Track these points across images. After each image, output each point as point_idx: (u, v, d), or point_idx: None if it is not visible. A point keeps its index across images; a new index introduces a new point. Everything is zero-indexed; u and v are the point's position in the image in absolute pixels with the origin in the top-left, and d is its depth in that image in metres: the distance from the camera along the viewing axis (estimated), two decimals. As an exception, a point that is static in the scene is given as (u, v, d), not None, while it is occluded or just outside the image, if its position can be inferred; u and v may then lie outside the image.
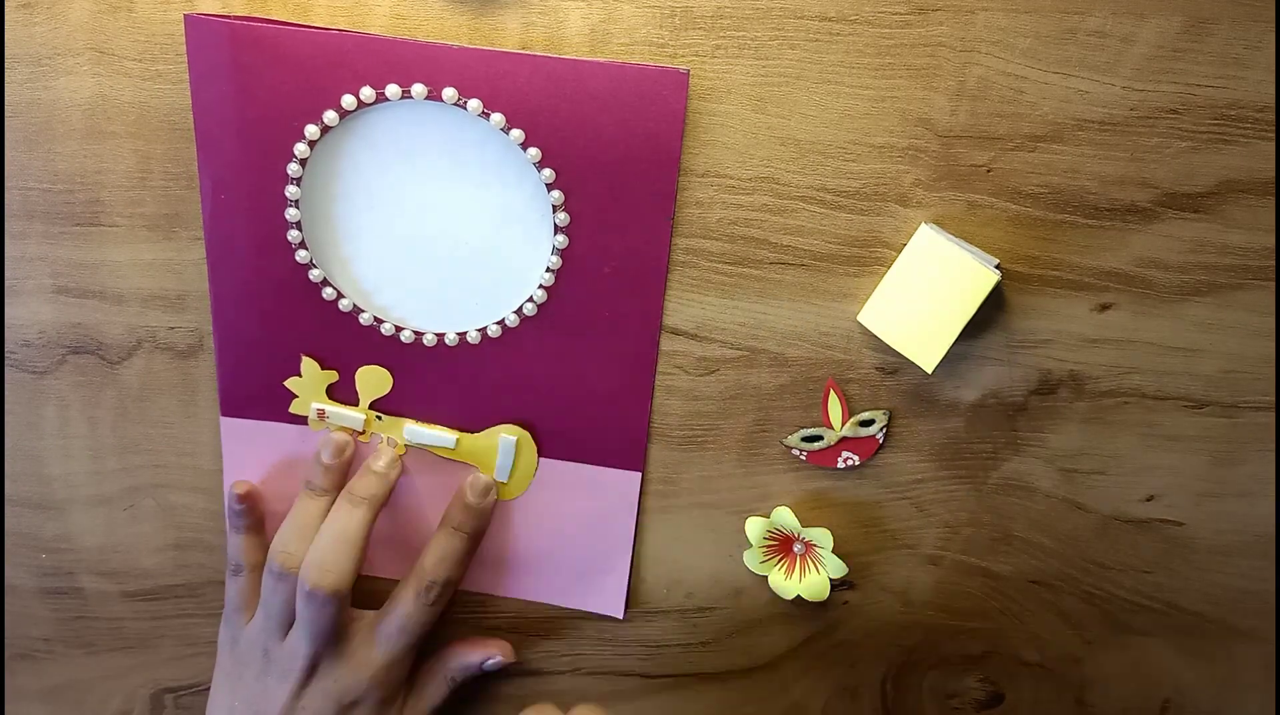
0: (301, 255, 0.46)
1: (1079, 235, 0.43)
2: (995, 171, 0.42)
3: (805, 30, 0.41)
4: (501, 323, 0.46)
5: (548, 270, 0.45)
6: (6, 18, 0.44)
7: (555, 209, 0.44)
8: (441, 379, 0.48)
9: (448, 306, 0.47)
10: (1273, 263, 0.43)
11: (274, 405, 0.49)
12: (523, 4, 0.42)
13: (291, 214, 0.45)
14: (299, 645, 0.48)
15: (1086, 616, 0.50)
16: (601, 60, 0.41)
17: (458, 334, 0.47)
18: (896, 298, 0.43)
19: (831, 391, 0.46)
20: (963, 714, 0.53)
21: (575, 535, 0.51)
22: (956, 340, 0.42)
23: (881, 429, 0.47)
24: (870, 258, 0.44)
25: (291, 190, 0.44)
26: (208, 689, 0.57)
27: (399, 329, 0.47)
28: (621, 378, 0.47)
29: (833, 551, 0.48)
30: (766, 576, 0.50)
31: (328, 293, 0.46)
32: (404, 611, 0.49)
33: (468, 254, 0.46)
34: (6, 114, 0.46)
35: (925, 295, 0.42)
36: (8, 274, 0.49)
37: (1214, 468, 0.47)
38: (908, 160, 0.43)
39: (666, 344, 0.47)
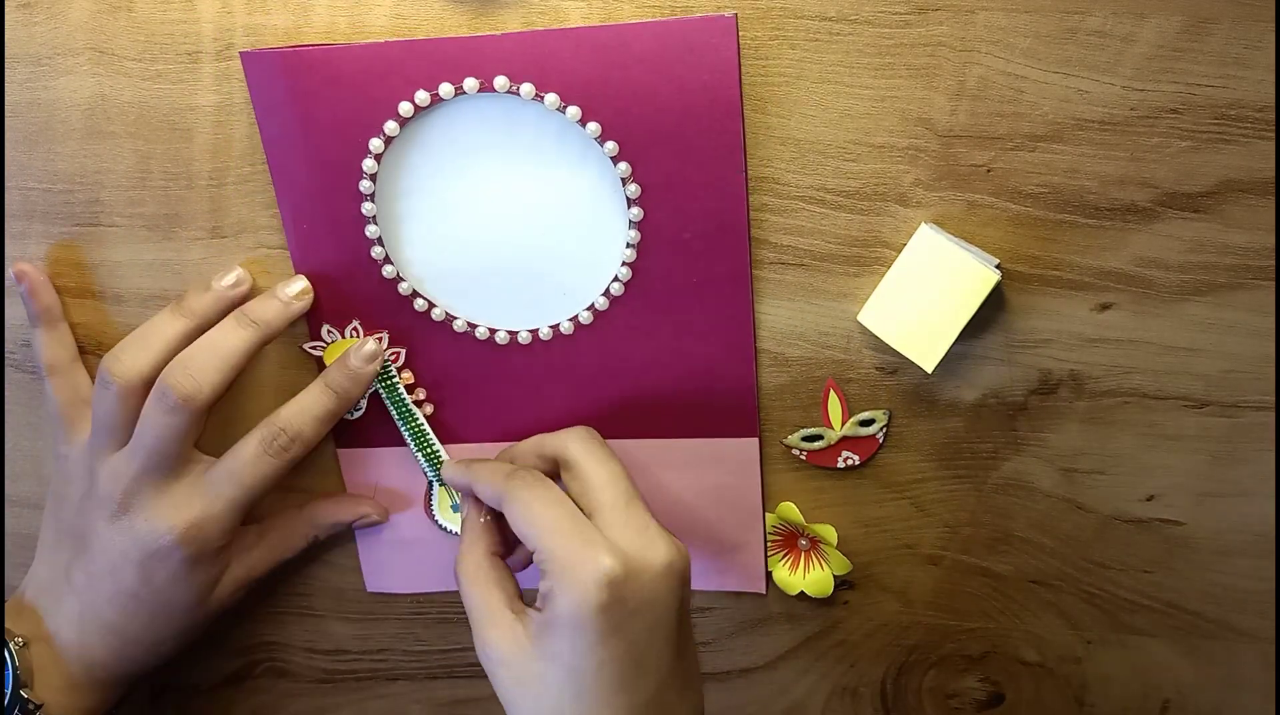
0: (388, 270, 0.46)
1: (1079, 235, 0.43)
2: (995, 171, 0.42)
3: (805, 30, 0.41)
4: (591, 308, 0.46)
5: (628, 246, 0.44)
6: (6, 18, 0.44)
7: (625, 182, 0.43)
8: (542, 376, 0.48)
9: (536, 301, 0.46)
10: (1273, 262, 0.43)
11: (384, 430, 0.50)
12: (522, 3, 0.42)
13: (371, 231, 0.45)
14: (125, 464, 0.45)
15: (1086, 616, 0.50)
16: (645, 20, 0.40)
17: (550, 328, 0.47)
18: (896, 297, 0.43)
19: (831, 391, 0.46)
20: (963, 714, 0.53)
21: (704, 514, 0.50)
22: (956, 340, 0.42)
23: (882, 429, 0.47)
24: (870, 258, 0.44)
25: (367, 207, 0.44)
26: (207, 689, 0.57)
27: (493, 332, 0.47)
28: (721, 344, 0.46)
29: (836, 548, 0.48)
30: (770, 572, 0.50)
31: (419, 304, 0.47)
32: (240, 456, 0.45)
33: (547, 243, 0.45)
34: (6, 114, 0.46)
35: (925, 295, 0.42)
36: (8, 274, 0.49)
37: (1214, 467, 0.47)
38: (908, 160, 0.43)
39: (666, 344, 0.47)
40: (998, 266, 0.43)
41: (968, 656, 0.52)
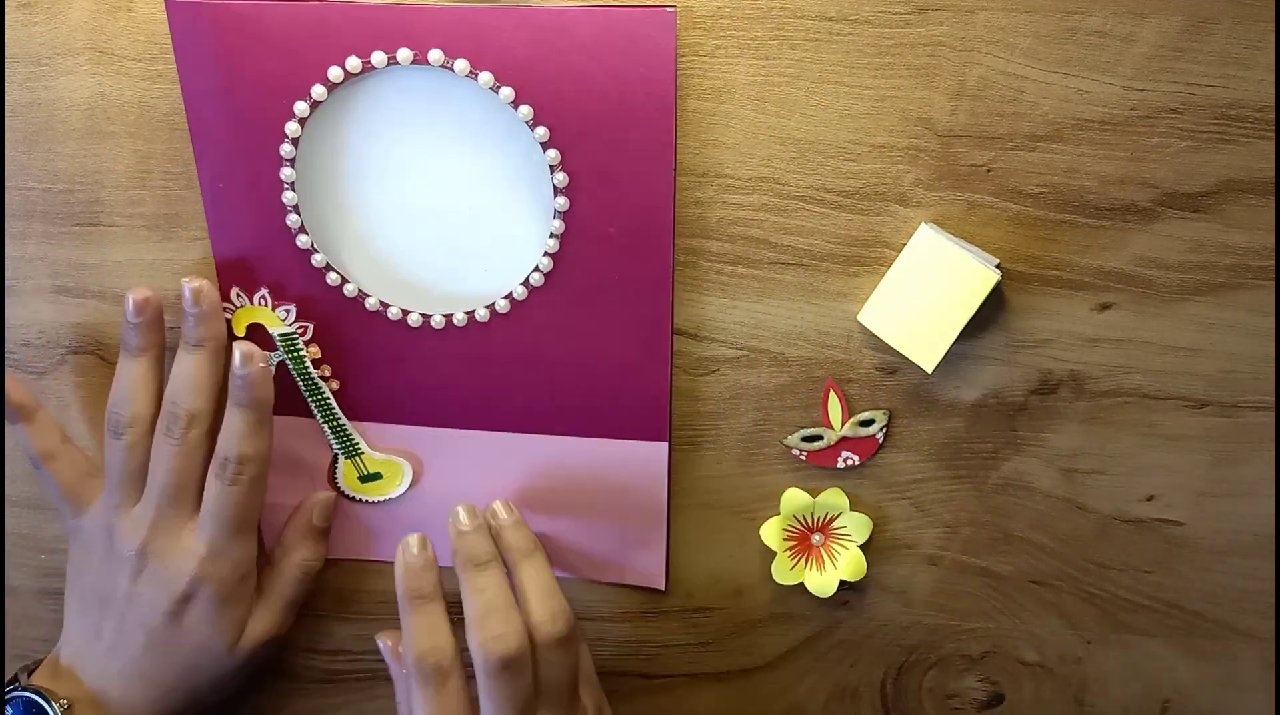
0: (302, 240, 0.45)
1: (1079, 235, 0.43)
2: (995, 171, 0.42)
3: (805, 30, 0.41)
4: (509, 297, 0.45)
5: (551, 236, 0.44)
6: (6, 17, 0.44)
7: (553, 169, 0.42)
8: (454, 363, 0.47)
9: (454, 284, 0.46)
10: (1273, 262, 0.43)
11: (291, 399, 0.49)
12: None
13: (289, 198, 0.44)
14: (144, 510, 0.46)
15: (1086, 616, 0.50)
16: (586, 5, 0.40)
17: (466, 313, 0.46)
18: (897, 297, 0.43)
19: (831, 391, 0.46)
20: (963, 714, 0.53)
21: (607, 511, 0.50)
22: (957, 340, 0.42)
23: (882, 428, 0.47)
24: (870, 257, 0.44)
25: (287, 173, 0.43)
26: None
27: (405, 314, 0.46)
28: (638, 345, 0.46)
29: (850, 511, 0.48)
30: (800, 582, 0.50)
31: (331, 278, 0.46)
32: (210, 496, 0.46)
33: (468, 224, 0.44)
34: (6, 114, 0.46)
35: (925, 295, 0.42)
36: (7, 274, 0.49)
37: (1214, 467, 0.47)
38: (908, 160, 0.43)
39: (666, 344, 0.47)
40: (998, 266, 0.43)
41: (968, 656, 0.52)
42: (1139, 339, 0.45)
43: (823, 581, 0.49)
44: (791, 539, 0.49)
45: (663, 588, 0.51)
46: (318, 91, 0.42)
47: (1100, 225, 0.43)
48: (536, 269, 0.44)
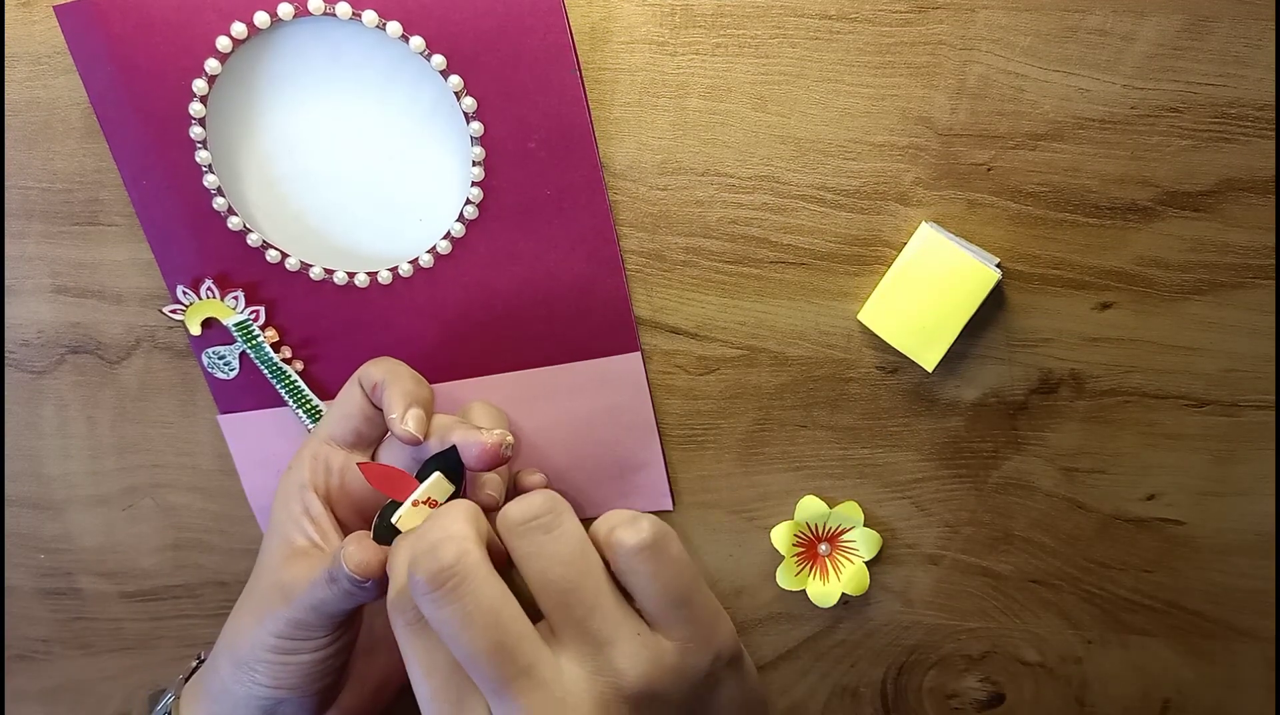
0: (233, 222, 0.44)
1: (1079, 234, 0.43)
2: (996, 170, 0.42)
3: (805, 28, 0.41)
4: (448, 237, 0.45)
5: (474, 164, 0.43)
6: (6, 16, 0.44)
7: (458, 96, 0.42)
8: (409, 315, 0.46)
9: (393, 239, 0.45)
10: (1273, 261, 0.43)
11: (264, 392, 0.48)
12: (523, 2, 0.42)
13: (210, 180, 0.44)
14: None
15: (1087, 616, 0.50)
16: None
17: (410, 263, 0.45)
18: (897, 296, 0.43)
19: None
20: (963, 714, 0.53)
21: (596, 437, 0.49)
22: (957, 339, 0.42)
23: None
24: (870, 257, 0.44)
25: (202, 155, 0.43)
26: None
27: (351, 276, 0.46)
28: (587, 258, 0.45)
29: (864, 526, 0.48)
30: (802, 589, 0.50)
31: (271, 255, 0.45)
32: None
33: (393, 174, 0.44)
34: (6, 113, 0.46)
35: (926, 294, 0.42)
36: (7, 273, 0.49)
37: (1215, 466, 0.47)
38: (908, 159, 0.43)
39: (666, 343, 0.47)
40: (998, 265, 0.43)
41: (968, 656, 0.52)
42: (1139, 338, 0.45)
43: (824, 591, 0.49)
44: (800, 545, 0.49)
45: (670, 507, 0.51)
46: (211, 65, 0.41)
47: (1101, 224, 0.43)
48: (468, 202, 0.44)
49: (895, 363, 0.46)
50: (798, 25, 0.41)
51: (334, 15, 0.40)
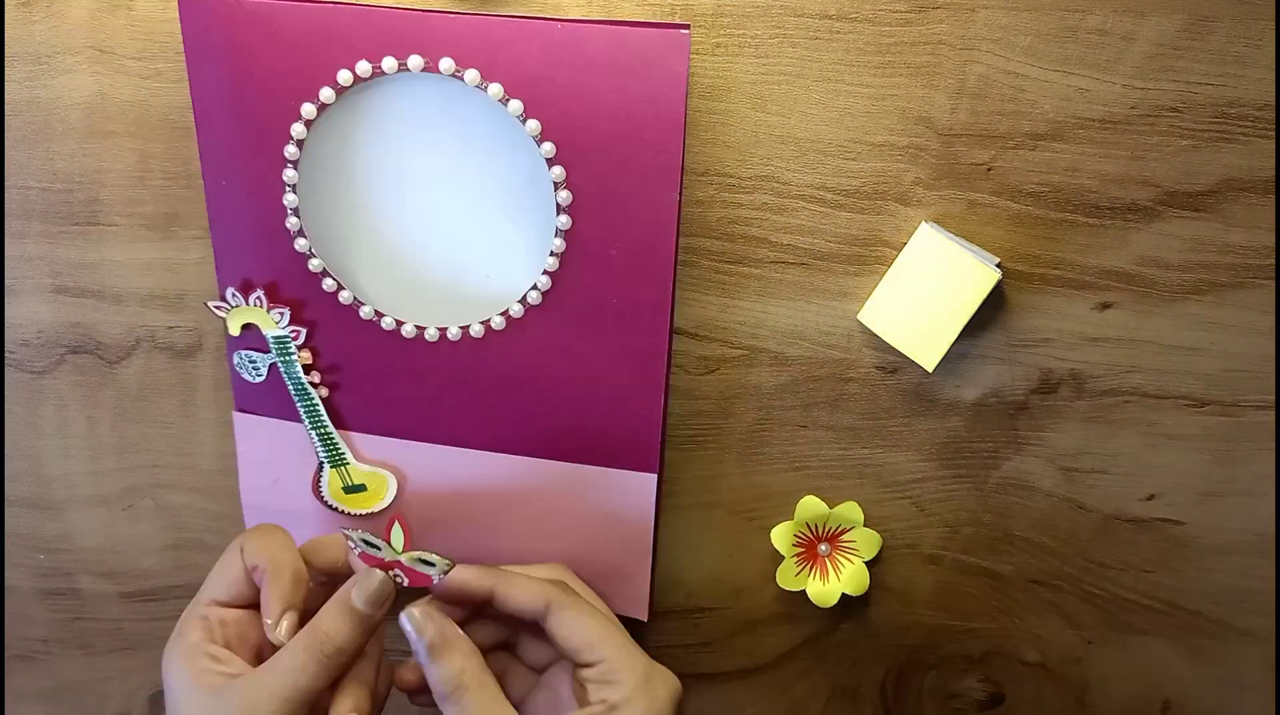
0: (301, 244, 0.44)
1: (1080, 234, 0.43)
2: (996, 170, 0.42)
3: (805, 28, 0.41)
4: (505, 313, 0.45)
5: (551, 254, 0.43)
6: (6, 16, 0.44)
7: (557, 187, 0.42)
8: (445, 377, 0.47)
9: (451, 296, 0.45)
10: (1273, 261, 0.43)
11: (286, 402, 0.49)
12: (523, 2, 0.42)
13: (290, 200, 0.44)
14: None
15: (1087, 616, 0.50)
16: (600, 22, 0.39)
17: (460, 328, 0.45)
18: (897, 296, 0.43)
19: (396, 523, 0.42)
20: (963, 714, 0.53)
21: (591, 540, 0.49)
22: (957, 339, 0.42)
23: (441, 574, 0.42)
24: (870, 257, 0.44)
25: (289, 174, 0.43)
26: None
27: (400, 324, 0.46)
28: (632, 374, 0.45)
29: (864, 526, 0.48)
30: (802, 589, 0.50)
31: (328, 284, 0.45)
32: None
33: (469, 237, 0.44)
34: (6, 113, 0.46)
35: (926, 294, 0.42)
36: (7, 273, 0.49)
37: (1215, 467, 0.47)
38: (908, 159, 0.43)
39: (666, 343, 0.47)
40: (998, 265, 0.43)
41: (968, 657, 0.52)
42: (1139, 338, 0.45)
43: (824, 591, 0.49)
44: (800, 545, 0.49)
45: (644, 619, 0.51)
46: (326, 94, 0.41)
47: (1101, 224, 0.43)
48: (535, 287, 0.44)
49: (895, 363, 0.46)
50: (797, 25, 0.41)
51: (461, 79, 0.40)
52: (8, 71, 0.45)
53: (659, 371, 0.45)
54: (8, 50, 0.45)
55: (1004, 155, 0.42)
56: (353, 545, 0.42)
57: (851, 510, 0.48)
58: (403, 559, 0.41)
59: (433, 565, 0.41)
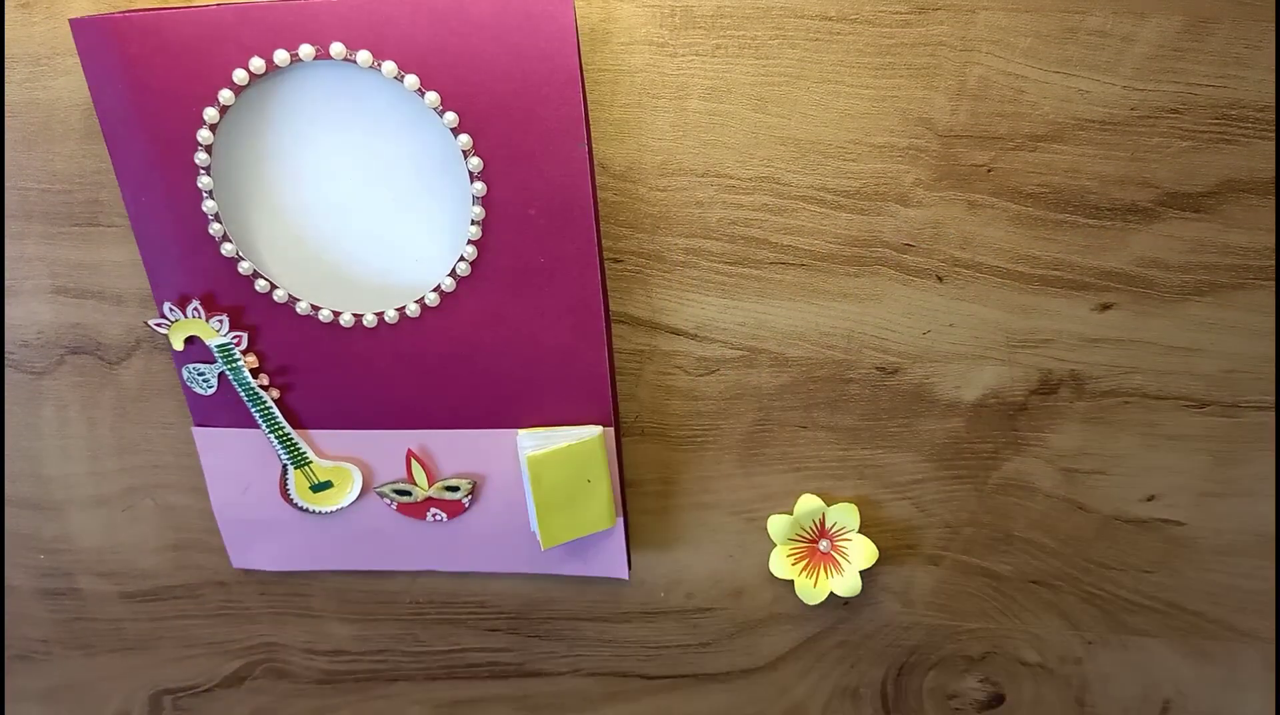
0: (227, 248, 0.44)
1: (1080, 235, 0.43)
2: (996, 171, 0.42)
3: (805, 29, 0.41)
4: (438, 289, 0.45)
5: (473, 223, 0.43)
6: (6, 17, 0.44)
7: (466, 155, 0.42)
8: (389, 361, 0.47)
9: (384, 283, 0.45)
10: (1273, 262, 0.43)
11: (239, 411, 0.49)
12: (523, 3, 0.42)
13: (209, 206, 0.44)
14: None
15: (1087, 617, 0.50)
16: None
17: (396, 310, 0.45)
18: (553, 512, 0.47)
19: (413, 459, 0.46)
20: (963, 714, 0.53)
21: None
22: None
23: (467, 495, 0.46)
24: (870, 258, 0.44)
25: (204, 181, 0.43)
26: (206, 690, 0.57)
27: (337, 314, 0.46)
28: (571, 329, 0.45)
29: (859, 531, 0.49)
30: (791, 581, 0.50)
31: (260, 285, 0.45)
32: None
33: (393, 216, 0.44)
34: (6, 114, 0.46)
35: (567, 489, 0.46)
36: (7, 274, 0.49)
37: (1215, 467, 0.47)
38: (908, 160, 0.43)
39: (666, 344, 0.47)
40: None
41: (968, 657, 0.52)
42: (1140, 339, 0.45)
43: (813, 589, 0.49)
44: (798, 539, 0.49)
45: (625, 577, 0.51)
46: (225, 96, 0.41)
47: (1101, 225, 0.43)
48: (462, 258, 0.44)
49: (895, 363, 0.46)
50: (798, 26, 0.41)
51: (354, 62, 0.41)
52: (8, 72, 0.45)
53: (597, 324, 0.45)
54: (8, 51, 0.45)
55: (1004, 156, 0.42)
56: (388, 501, 0.42)
57: (848, 511, 0.48)
58: (432, 493, 0.42)
59: (456, 490, 0.42)
